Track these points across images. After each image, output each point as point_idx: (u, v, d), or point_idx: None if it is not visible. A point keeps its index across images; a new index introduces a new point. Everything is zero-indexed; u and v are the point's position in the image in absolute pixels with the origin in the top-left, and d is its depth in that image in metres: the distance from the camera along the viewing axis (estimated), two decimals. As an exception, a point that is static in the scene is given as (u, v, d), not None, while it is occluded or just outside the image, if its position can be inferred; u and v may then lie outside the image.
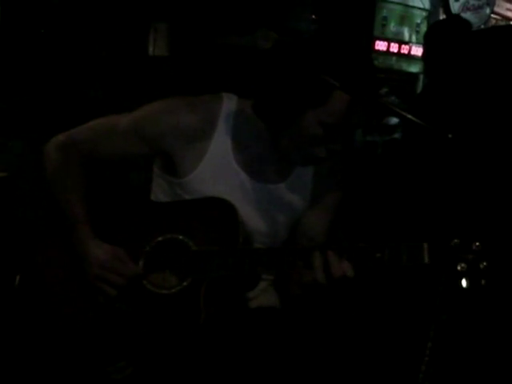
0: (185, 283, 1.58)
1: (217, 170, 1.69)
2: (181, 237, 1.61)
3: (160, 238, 1.63)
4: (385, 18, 5.34)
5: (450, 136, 1.30)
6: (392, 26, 5.42)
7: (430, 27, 3.93)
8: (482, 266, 1.36)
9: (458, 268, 1.37)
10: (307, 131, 1.58)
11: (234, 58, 3.60)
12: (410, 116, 1.38)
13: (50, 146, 1.75)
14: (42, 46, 4.04)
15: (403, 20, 5.53)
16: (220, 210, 1.59)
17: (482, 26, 5.87)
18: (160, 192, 1.79)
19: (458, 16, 4.14)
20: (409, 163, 2.90)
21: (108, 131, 1.72)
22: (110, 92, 4.07)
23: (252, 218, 1.68)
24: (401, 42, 5.52)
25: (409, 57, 5.63)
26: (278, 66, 1.57)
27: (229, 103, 1.71)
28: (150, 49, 4.59)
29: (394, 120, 4.85)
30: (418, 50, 5.38)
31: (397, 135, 4.46)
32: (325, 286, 1.49)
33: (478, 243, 1.38)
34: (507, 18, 7.36)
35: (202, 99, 1.72)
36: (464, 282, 1.37)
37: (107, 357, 1.59)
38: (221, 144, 1.69)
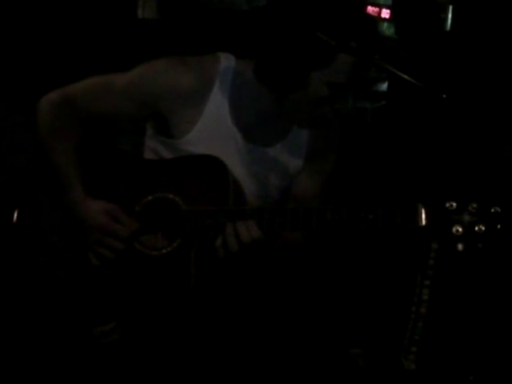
0: (175, 244, 1.58)
1: (212, 131, 1.68)
2: (171, 196, 1.61)
3: (150, 198, 1.64)
4: (377, -17, 5.27)
5: (443, 96, 1.30)
6: (384, -8, 5.36)
7: None
8: (478, 229, 1.33)
9: (454, 231, 1.35)
10: (313, 93, 1.57)
11: (226, 19, 3.57)
12: (406, 77, 1.37)
13: (44, 104, 1.71)
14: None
15: (395, -15, 5.47)
16: (211, 168, 1.59)
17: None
18: (153, 155, 1.78)
19: None
20: (399, 127, 2.90)
21: (104, 90, 1.70)
22: (100, 55, 4.02)
23: (245, 179, 1.69)
24: (392, 8, 5.46)
25: (400, 23, 5.57)
26: (279, 29, 1.55)
27: (226, 63, 1.70)
28: (140, 11, 4.53)
29: (385, 86, 4.83)
30: (409, 17, 5.33)
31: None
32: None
33: (475, 205, 1.34)
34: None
35: (198, 59, 1.71)
36: (460, 246, 1.34)
37: (96, 317, 1.60)
38: (217, 104, 1.68)
